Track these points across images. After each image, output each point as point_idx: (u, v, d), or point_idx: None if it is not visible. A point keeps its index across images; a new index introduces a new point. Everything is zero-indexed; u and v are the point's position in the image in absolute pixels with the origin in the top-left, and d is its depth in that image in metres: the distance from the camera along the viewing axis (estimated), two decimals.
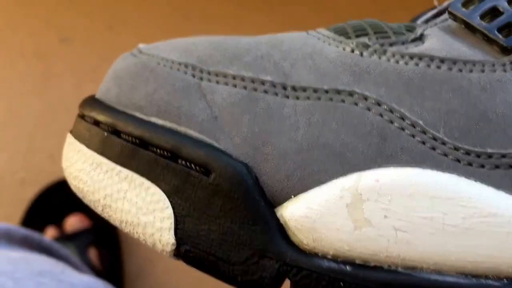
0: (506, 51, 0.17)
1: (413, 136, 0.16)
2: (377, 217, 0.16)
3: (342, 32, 0.19)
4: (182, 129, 0.18)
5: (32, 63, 0.64)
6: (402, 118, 0.16)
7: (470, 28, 0.17)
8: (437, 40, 0.17)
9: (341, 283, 0.16)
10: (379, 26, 0.18)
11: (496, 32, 0.17)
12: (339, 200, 0.16)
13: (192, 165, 0.17)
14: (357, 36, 0.18)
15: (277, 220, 0.17)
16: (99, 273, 0.44)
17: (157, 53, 0.20)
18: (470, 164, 0.16)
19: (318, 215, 0.16)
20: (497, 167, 0.16)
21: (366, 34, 0.18)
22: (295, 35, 0.19)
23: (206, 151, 0.17)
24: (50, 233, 0.49)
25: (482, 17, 0.17)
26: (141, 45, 0.21)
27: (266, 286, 0.17)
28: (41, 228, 0.49)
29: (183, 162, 0.17)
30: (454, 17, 0.18)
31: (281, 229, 0.17)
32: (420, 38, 0.18)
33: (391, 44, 0.18)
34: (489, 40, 0.17)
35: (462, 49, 0.17)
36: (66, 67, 0.61)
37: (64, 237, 0.47)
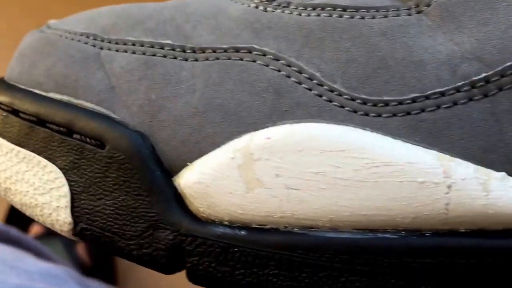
0: None
1: (310, 89, 0.23)
2: (269, 176, 0.23)
3: None
4: (79, 102, 0.26)
5: (11, 53, 0.76)
6: (300, 71, 0.24)
7: None
8: None
9: (235, 249, 0.23)
10: None
11: None
12: (231, 162, 0.23)
13: (87, 139, 0.25)
14: None
15: (174, 189, 0.24)
16: (89, 269, 0.53)
17: (63, 26, 0.28)
18: (366, 114, 0.23)
19: (210, 179, 0.24)
20: (394, 115, 0.23)
21: None
22: None
23: (100, 123, 0.25)
24: (35, 230, 0.59)
25: None
26: (51, 21, 0.29)
27: (162, 258, 0.24)
28: (26, 225, 0.60)
29: (78, 136, 0.25)
30: None
31: (178, 199, 0.24)
32: None
33: None
34: None
35: None
36: None
37: (50, 233, 0.57)
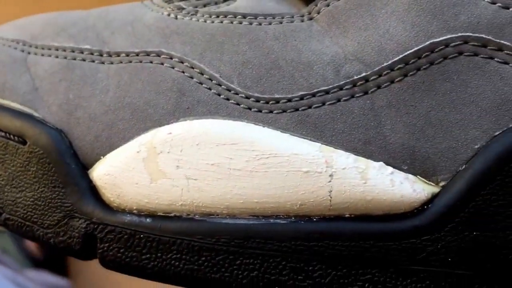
0: (308, 2, 0.26)
1: (210, 89, 0.25)
2: (170, 167, 0.24)
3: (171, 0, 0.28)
4: (5, 102, 0.27)
5: None
6: (201, 73, 0.25)
7: None
8: None
9: (141, 235, 0.25)
10: None
11: None
12: (136, 155, 0.25)
13: (11, 136, 0.27)
14: (180, 1, 0.28)
15: (89, 182, 0.26)
16: (41, 262, 0.54)
17: None
18: (259, 110, 0.24)
19: (118, 171, 0.25)
20: (283, 111, 0.24)
21: None
22: (126, 5, 0.29)
23: (22, 121, 0.26)
24: None
25: None
26: None
27: (76, 245, 0.25)
28: None
29: (3, 133, 0.27)
30: None
31: (92, 191, 0.26)
32: None
33: (204, 5, 0.27)
34: None
35: (268, 4, 0.26)
36: None
37: None
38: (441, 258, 0.22)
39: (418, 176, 0.23)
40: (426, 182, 0.23)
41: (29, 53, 0.27)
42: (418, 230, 0.23)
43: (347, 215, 0.23)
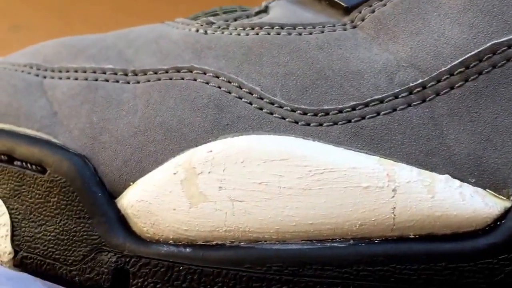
0: (347, 12, 0.23)
1: (251, 103, 0.22)
2: (212, 189, 0.21)
3: (194, 17, 0.25)
4: (21, 129, 0.24)
5: None
6: (240, 86, 0.22)
7: None
8: (280, 10, 0.24)
9: (181, 267, 0.21)
10: (230, 7, 0.25)
11: None
12: (173, 178, 0.21)
13: (28, 165, 0.23)
14: (206, 17, 0.25)
15: (117, 211, 0.22)
16: None
17: (8, 60, 0.26)
18: (307, 124, 0.21)
19: (153, 196, 0.21)
20: (335, 123, 0.21)
21: (216, 15, 0.25)
22: (146, 26, 0.26)
23: (41, 148, 0.23)
24: None
25: None
26: None
27: (105, 282, 0.22)
28: None
29: (19, 163, 0.23)
30: None
31: (121, 221, 0.22)
32: (265, 10, 0.24)
33: (235, 19, 0.24)
34: (332, 4, 0.23)
35: (305, 15, 0.23)
36: None
37: None
38: None
39: (487, 190, 0.20)
40: (496, 196, 0.20)
41: (44, 77, 0.24)
42: (494, 248, 0.19)
43: (411, 236, 0.20)
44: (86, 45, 0.25)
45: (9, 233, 0.23)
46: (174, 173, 0.21)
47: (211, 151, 0.21)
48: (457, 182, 0.20)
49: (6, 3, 0.72)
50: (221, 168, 0.21)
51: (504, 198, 0.20)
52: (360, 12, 0.23)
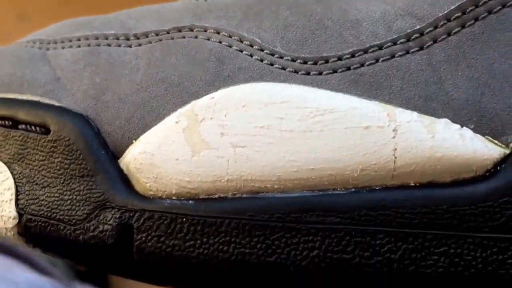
0: None
1: (251, 55, 0.22)
2: (214, 135, 0.21)
3: None
4: (24, 96, 0.24)
5: None
6: (240, 40, 0.23)
7: None
8: None
9: (184, 219, 0.21)
10: None
11: None
12: (175, 127, 0.22)
13: (32, 127, 0.23)
14: None
15: (120, 170, 0.22)
16: (84, 274, 0.51)
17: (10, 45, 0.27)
18: (307, 73, 0.22)
19: (156, 147, 0.22)
20: (334, 71, 0.21)
21: None
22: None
23: (44, 110, 0.23)
24: None
25: None
26: None
27: (109, 239, 0.22)
28: None
29: (23, 126, 0.24)
30: None
31: (124, 180, 0.22)
32: None
33: None
34: None
35: None
36: None
37: None
38: None
39: (486, 137, 0.20)
40: (495, 143, 0.20)
41: (48, 49, 0.25)
42: (495, 191, 0.20)
43: (411, 184, 0.20)
44: (89, 20, 0.26)
45: (13, 197, 0.23)
46: (177, 122, 0.21)
47: (213, 97, 0.21)
48: (456, 125, 0.20)
49: None
50: (223, 114, 0.21)
51: (503, 146, 0.20)
52: None
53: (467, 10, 0.21)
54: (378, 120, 0.20)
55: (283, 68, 0.21)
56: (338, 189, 0.20)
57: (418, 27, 0.21)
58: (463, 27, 0.21)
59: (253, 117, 0.21)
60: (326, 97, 0.21)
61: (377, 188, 0.20)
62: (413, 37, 0.21)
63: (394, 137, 0.20)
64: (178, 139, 0.21)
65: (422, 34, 0.21)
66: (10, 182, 0.23)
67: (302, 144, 0.20)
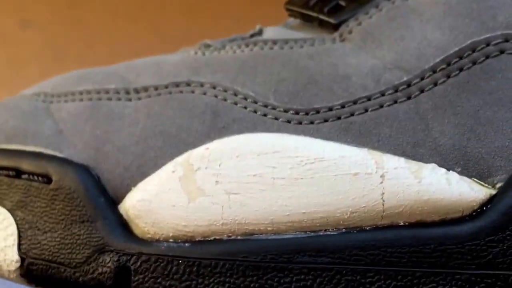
0: (336, 28, 0.25)
1: (245, 107, 0.24)
2: (209, 183, 0.22)
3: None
4: (28, 148, 0.26)
5: None
6: (235, 94, 0.24)
7: (306, 18, 0.26)
8: (273, 31, 0.26)
9: (179, 261, 0.22)
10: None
11: (327, 14, 0.25)
12: (172, 175, 0.23)
13: (35, 177, 0.25)
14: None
15: (119, 215, 0.24)
16: None
17: (16, 96, 0.28)
18: (300, 122, 0.23)
19: (153, 195, 0.23)
20: (325, 120, 0.23)
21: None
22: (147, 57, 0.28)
23: (47, 161, 0.25)
24: None
25: (313, 6, 0.26)
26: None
27: (108, 281, 0.23)
28: None
29: (26, 176, 0.25)
30: (292, 12, 0.27)
31: (123, 224, 0.24)
32: (259, 33, 0.26)
33: (231, 41, 0.26)
34: (322, 24, 0.25)
35: (296, 33, 0.26)
36: (31, 53, 0.70)
37: None
38: (508, 260, 0.20)
39: (473, 179, 0.21)
40: (482, 184, 0.21)
41: (51, 102, 0.26)
42: (481, 230, 0.21)
43: (401, 223, 0.21)
44: (91, 74, 0.27)
45: (16, 242, 0.24)
46: (173, 171, 0.22)
47: (207, 148, 0.22)
48: (443, 170, 0.21)
49: None
50: (217, 163, 0.22)
51: (490, 187, 0.21)
52: (348, 26, 0.25)
53: (452, 62, 0.22)
54: (366, 167, 0.21)
55: (276, 119, 0.23)
56: (330, 229, 0.22)
57: (405, 79, 0.22)
58: (448, 77, 0.22)
59: (246, 166, 0.22)
60: (317, 146, 0.22)
61: (368, 228, 0.21)
62: (400, 88, 0.22)
63: (381, 182, 0.21)
64: (175, 187, 0.22)
65: (409, 85, 0.22)
66: (13, 228, 0.24)
67: (293, 190, 0.21)
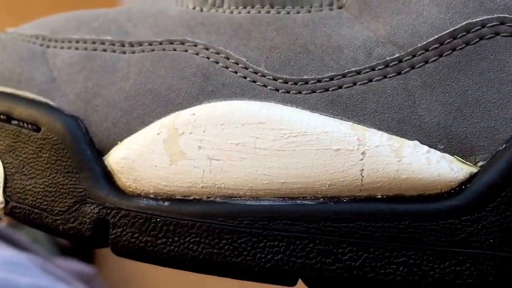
0: None
1: (236, 72, 0.24)
2: (192, 148, 0.23)
3: None
4: (21, 92, 0.27)
5: None
6: (227, 57, 0.25)
7: None
8: None
9: (158, 219, 0.23)
10: None
11: None
12: (156, 137, 0.24)
13: (24, 124, 0.26)
14: None
15: (103, 167, 0.25)
16: (68, 251, 0.53)
17: (17, 31, 0.29)
18: (287, 91, 0.24)
19: (136, 154, 0.24)
20: (313, 91, 0.23)
21: None
22: (149, 2, 0.29)
23: (37, 109, 0.26)
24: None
25: None
26: (8, 29, 0.30)
27: (87, 231, 0.24)
28: None
29: (16, 122, 0.26)
30: None
31: (107, 176, 0.24)
32: None
33: None
34: None
35: None
36: None
37: None
38: (482, 239, 0.21)
39: (455, 156, 0.22)
40: (463, 162, 0.22)
41: (48, 46, 0.27)
42: (457, 210, 0.21)
43: (379, 196, 0.22)
44: (90, 19, 0.27)
45: (1, 184, 0.25)
46: (158, 133, 0.23)
47: (193, 114, 0.23)
48: (425, 148, 0.22)
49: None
50: (201, 130, 0.23)
51: (471, 165, 0.22)
52: None
53: (445, 42, 0.22)
54: (348, 144, 0.22)
55: (265, 86, 0.23)
56: (308, 197, 0.23)
57: (397, 55, 0.23)
58: (440, 56, 0.23)
59: (230, 134, 0.23)
60: (301, 120, 0.22)
61: (345, 200, 0.22)
62: (391, 64, 0.23)
63: (362, 159, 0.22)
64: (158, 149, 0.23)
65: (400, 61, 0.23)
66: (0, 170, 0.25)
67: (274, 161, 0.22)
